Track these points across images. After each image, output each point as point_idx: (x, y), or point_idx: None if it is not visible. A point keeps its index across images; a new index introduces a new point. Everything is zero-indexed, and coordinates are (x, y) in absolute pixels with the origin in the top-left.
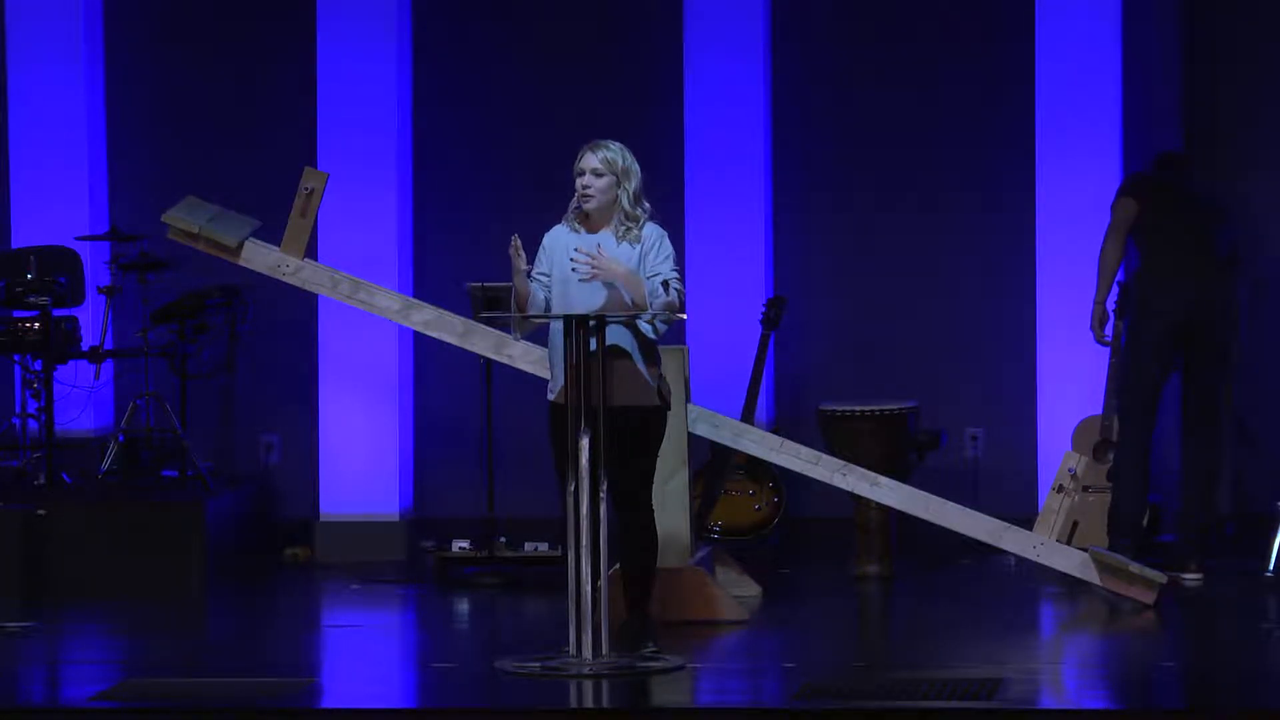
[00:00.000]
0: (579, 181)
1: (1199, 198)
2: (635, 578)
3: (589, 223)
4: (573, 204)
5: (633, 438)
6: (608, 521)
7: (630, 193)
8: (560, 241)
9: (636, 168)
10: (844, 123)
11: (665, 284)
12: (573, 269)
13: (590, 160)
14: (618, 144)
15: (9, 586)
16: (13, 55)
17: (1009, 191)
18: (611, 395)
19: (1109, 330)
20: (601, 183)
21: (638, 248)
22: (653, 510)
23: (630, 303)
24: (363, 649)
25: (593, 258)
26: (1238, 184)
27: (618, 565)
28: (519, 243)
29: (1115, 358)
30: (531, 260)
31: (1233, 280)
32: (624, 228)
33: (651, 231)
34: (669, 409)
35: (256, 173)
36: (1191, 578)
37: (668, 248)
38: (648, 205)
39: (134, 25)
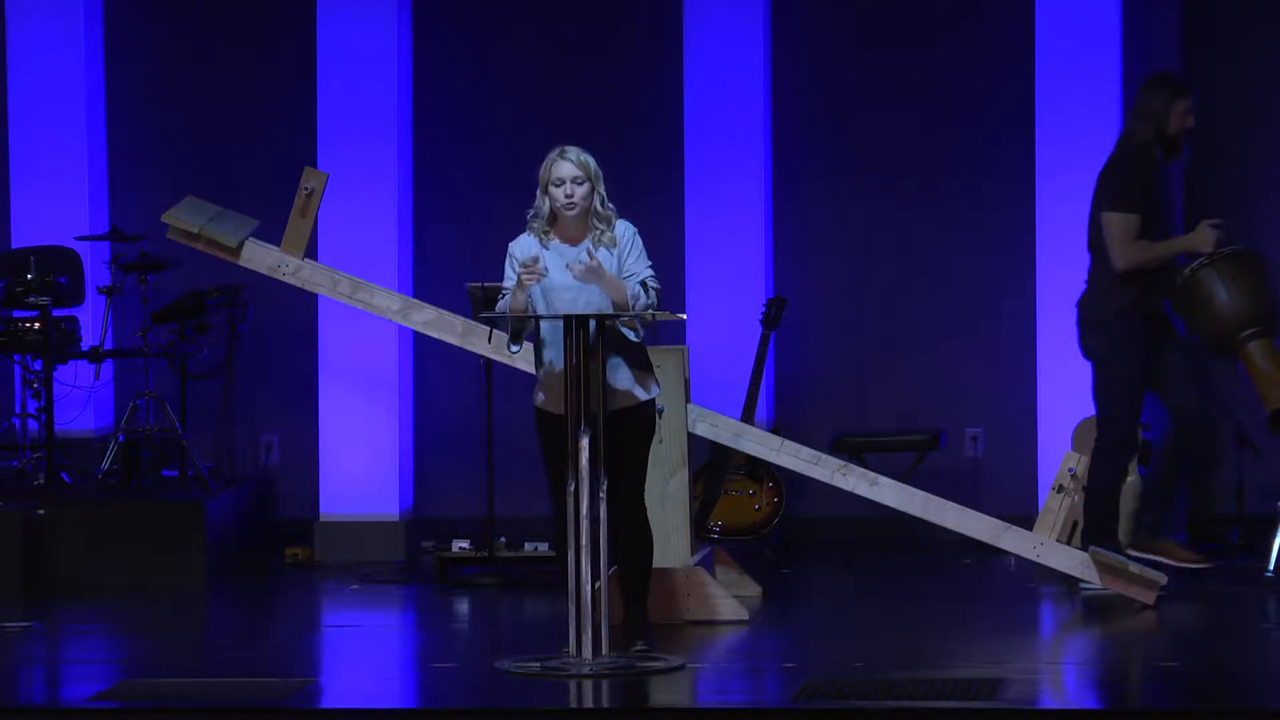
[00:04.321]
0: (559, 191)
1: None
2: (629, 577)
3: (558, 229)
4: (531, 212)
5: (626, 438)
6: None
7: (602, 194)
8: (532, 252)
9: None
10: (845, 123)
11: (644, 285)
12: (567, 266)
13: (568, 168)
14: (581, 148)
15: (9, 586)
16: (13, 55)
17: (1009, 193)
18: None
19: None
20: (583, 189)
21: (615, 251)
22: (646, 511)
23: (613, 305)
24: (363, 649)
25: (592, 259)
26: (1237, 174)
27: (615, 567)
28: (537, 266)
29: None
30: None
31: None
32: (597, 230)
33: (624, 231)
34: (659, 410)
35: (256, 172)
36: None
37: (640, 244)
38: (611, 204)
39: (133, 24)
